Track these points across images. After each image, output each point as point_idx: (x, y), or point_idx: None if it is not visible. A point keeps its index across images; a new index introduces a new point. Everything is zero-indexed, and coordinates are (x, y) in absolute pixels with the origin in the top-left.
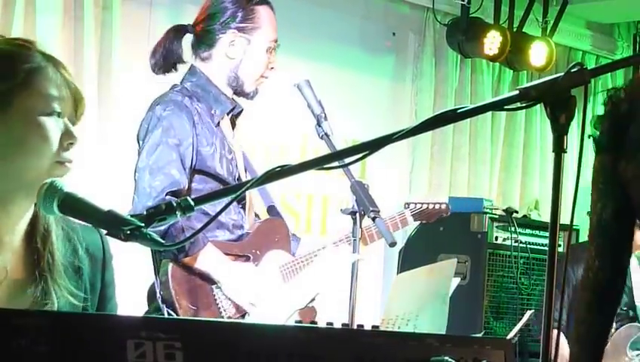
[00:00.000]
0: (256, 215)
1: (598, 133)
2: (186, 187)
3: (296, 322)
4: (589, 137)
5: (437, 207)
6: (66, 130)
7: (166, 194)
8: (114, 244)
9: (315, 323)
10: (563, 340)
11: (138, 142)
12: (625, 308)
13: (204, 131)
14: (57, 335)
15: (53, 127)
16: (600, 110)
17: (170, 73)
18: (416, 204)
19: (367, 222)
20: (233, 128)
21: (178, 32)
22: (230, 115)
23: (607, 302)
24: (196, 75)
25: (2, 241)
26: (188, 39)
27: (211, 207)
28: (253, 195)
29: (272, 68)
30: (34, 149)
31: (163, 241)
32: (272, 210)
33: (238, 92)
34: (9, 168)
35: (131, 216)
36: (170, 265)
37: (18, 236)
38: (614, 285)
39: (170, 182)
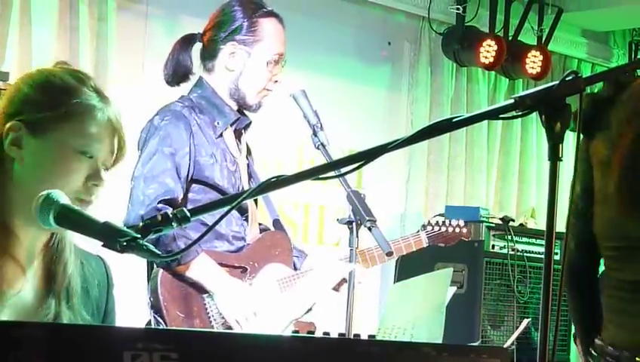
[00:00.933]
0: (264, 229)
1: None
2: (181, 196)
3: (292, 332)
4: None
5: (457, 230)
6: (95, 172)
7: (159, 203)
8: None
9: (312, 333)
10: None
11: (138, 150)
12: None
13: (203, 141)
14: (54, 347)
15: (81, 166)
16: None
17: (184, 83)
18: (433, 226)
19: (367, 243)
20: (239, 140)
21: (186, 41)
22: (234, 127)
23: (583, 280)
24: (202, 86)
25: (19, 261)
26: (198, 49)
27: (209, 217)
28: (258, 208)
29: (276, 81)
30: (57, 181)
31: (159, 252)
32: (276, 223)
33: (241, 104)
34: (39, 189)
35: (127, 227)
36: (160, 272)
37: (35, 257)
38: (586, 261)
39: (164, 191)
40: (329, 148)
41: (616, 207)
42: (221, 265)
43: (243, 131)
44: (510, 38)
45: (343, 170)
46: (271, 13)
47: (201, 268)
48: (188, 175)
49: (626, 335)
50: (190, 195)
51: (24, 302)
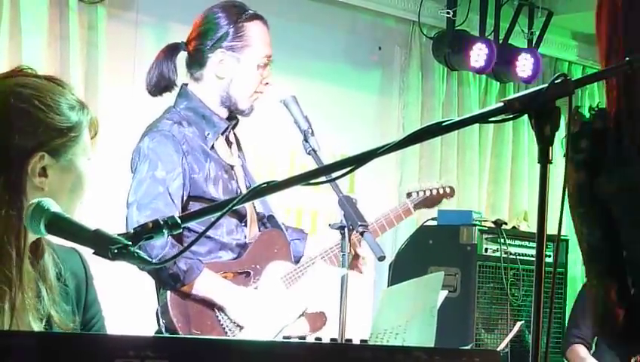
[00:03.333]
0: (263, 223)
1: (570, 152)
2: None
3: (284, 338)
4: (564, 156)
5: (440, 191)
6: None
7: None
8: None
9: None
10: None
11: (131, 173)
12: None
13: (196, 158)
14: (45, 356)
15: (89, 173)
16: None
17: (166, 93)
18: (418, 192)
19: (361, 251)
20: (229, 145)
21: (170, 50)
22: (224, 135)
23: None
24: (188, 97)
25: (18, 261)
26: (183, 57)
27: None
28: (255, 208)
29: (266, 83)
30: (77, 196)
31: (150, 259)
32: (271, 219)
33: (233, 110)
34: (68, 207)
35: (118, 234)
36: (169, 295)
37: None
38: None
39: (157, 217)
40: (320, 153)
41: None
42: (225, 273)
43: (230, 135)
44: (500, 42)
45: (334, 175)
46: (255, 16)
47: (205, 284)
48: (183, 194)
49: None
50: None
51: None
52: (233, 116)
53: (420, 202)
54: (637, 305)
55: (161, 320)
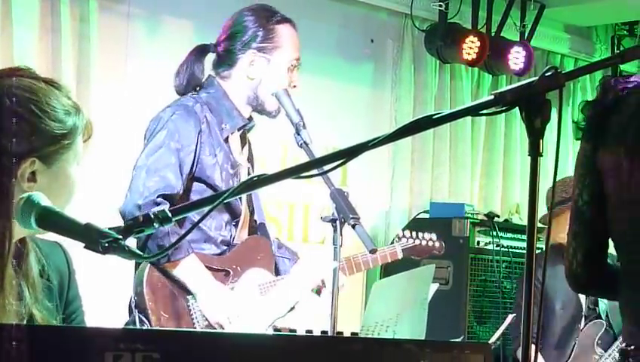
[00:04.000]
0: (254, 230)
1: (583, 118)
2: (181, 192)
3: (275, 330)
4: (573, 122)
5: (430, 244)
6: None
7: (158, 196)
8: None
9: (294, 331)
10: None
11: (145, 140)
12: (592, 306)
13: (209, 140)
14: (35, 348)
15: (77, 178)
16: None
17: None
18: (408, 238)
19: (350, 251)
20: (243, 144)
21: (200, 51)
22: (241, 131)
23: (591, 290)
24: (214, 87)
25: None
26: (210, 58)
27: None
28: (249, 212)
29: (294, 86)
30: (63, 200)
31: (141, 253)
32: (261, 228)
33: (259, 110)
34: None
35: (109, 228)
36: (146, 272)
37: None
38: (594, 273)
39: (165, 185)
40: (312, 146)
41: None
42: (206, 267)
43: (247, 133)
44: (493, 35)
45: (326, 167)
46: (285, 20)
47: (188, 268)
48: (190, 172)
49: None
50: (191, 196)
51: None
52: (251, 117)
53: (408, 248)
54: (603, 270)
55: (133, 298)
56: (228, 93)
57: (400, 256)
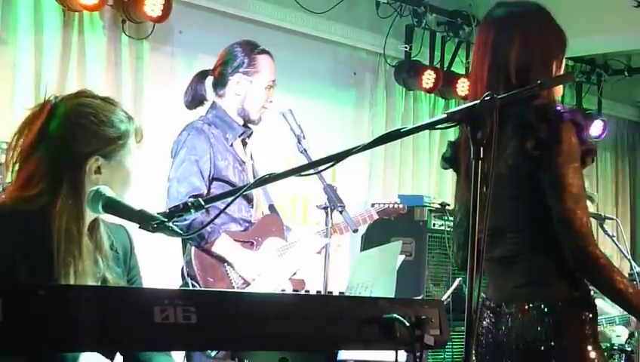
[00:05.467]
0: (267, 209)
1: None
2: (205, 191)
3: (282, 291)
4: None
5: (396, 206)
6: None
7: (189, 197)
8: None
9: (297, 291)
10: None
11: (172, 158)
12: None
13: (219, 149)
14: (103, 303)
15: (134, 170)
16: None
17: (200, 107)
18: (380, 204)
19: (339, 218)
20: (245, 146)
21: (202, 76)
22: (242, 137)
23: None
24: (216, 108)
25: (78, 238)
26: (210, 80)
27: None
28: (259, 197)
29: (270, 101)
30: (125, 188)
31: (181, 232)
32: (271, 208)
33: (246, 120)
34: (119, 195)
35: (158, 213)
36: (193, 249)
37: (85, 234)
38: (462, 256)
39: (192, 188)
40: (310, 152)
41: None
42: (235, 241)
43: (247, 140)
44: (445, 69)
45: (320, 168)
46: (264, 51)
47: (222, 244)
48: (210, 175)
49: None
50: (213, 190)
51: (82, 266)
52: (247, 125)
53: (381, 211)
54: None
55: (185, 269)
56: (226, 110)
57: (376, 216)
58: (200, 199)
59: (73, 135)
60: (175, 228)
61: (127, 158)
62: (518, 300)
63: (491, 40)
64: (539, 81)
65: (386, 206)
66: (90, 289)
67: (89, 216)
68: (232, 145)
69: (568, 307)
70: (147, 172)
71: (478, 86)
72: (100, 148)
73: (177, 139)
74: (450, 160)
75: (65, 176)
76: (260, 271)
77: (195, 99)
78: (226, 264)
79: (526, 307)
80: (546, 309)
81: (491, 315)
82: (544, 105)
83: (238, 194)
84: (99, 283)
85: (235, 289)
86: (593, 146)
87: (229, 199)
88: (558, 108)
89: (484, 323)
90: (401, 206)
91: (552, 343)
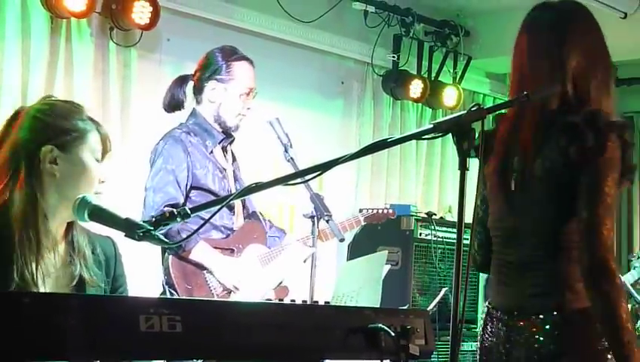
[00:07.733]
0: (248, 216)
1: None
2: (182, 200)
3: (267, 299)
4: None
5: (385, 211)
6: (101, 173)
7: (165, 207)
8: (139, 250)
9: (282, 300)
10: None
11: (150, 167)
12: None
13: (198, 157)
14: (86, 312)
15: (96, 170)
16: None
17: (178, 111)
18: (367, 209)
19: (325, 224)
20: (225, 153)
21: (180, 80)
22: (222, 144)
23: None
24: (195, 115)
25: (50, 241)
26: (191, 85)
27: (207, 214)
28: (241, 204)
29: (248, 108)
30: (85, 186)
31: (167, 240)
32: (253, 215)
33: (223, 127)
34: (71, 192)
35: (143, 222)
36: (171, 257)
37: (60, 238)
38: (487, 258)
39: (168, 198)
40: (297, 161)
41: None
42: (215, 248)
43: (228, 146)
44: (432, 79)
45: (307, 177)
46: (243, 58)
47: (200, 252)
48: (187, 184)
49: (503, 301)
50: (192, 198)
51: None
52: (226, 132)
53: (368, 217)
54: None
55: (163, 276)
56: (206, 118)
57: (363, 222)
58: (186, 208)
59: (29, 127)
60: (161, 236)
61: (85, 154)
62: (533, 310)
63: (545, 41)
64: (525, 92)
65: (375, 211)
66: (74, 298)
67: (62, 216)
68: (211, 152)
69: (585, 318)
70: (134, 179)
71: (524, 86)
72: (52, 138)
73: (155, 148)
74: (477, 148)
75: (21, 165)
76: (240, 277)
77: (171, 104)
78: (205, 271)
79: (541, 317)
80: (561, 321)
81: (501, 326)
82: (594, 112)
83: (224, 203)
84: (74, 283)
85: (216, 298)
86: (635, 166)
87: (214, 208)
88: (609, 117)
89: (492, 333)
90: (390, 211)
91: (568, 356)
